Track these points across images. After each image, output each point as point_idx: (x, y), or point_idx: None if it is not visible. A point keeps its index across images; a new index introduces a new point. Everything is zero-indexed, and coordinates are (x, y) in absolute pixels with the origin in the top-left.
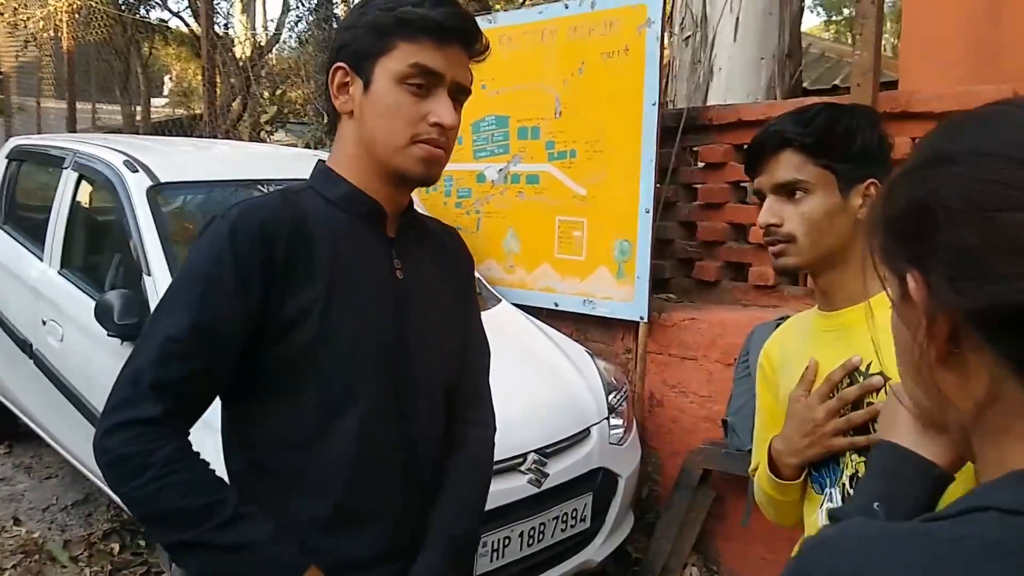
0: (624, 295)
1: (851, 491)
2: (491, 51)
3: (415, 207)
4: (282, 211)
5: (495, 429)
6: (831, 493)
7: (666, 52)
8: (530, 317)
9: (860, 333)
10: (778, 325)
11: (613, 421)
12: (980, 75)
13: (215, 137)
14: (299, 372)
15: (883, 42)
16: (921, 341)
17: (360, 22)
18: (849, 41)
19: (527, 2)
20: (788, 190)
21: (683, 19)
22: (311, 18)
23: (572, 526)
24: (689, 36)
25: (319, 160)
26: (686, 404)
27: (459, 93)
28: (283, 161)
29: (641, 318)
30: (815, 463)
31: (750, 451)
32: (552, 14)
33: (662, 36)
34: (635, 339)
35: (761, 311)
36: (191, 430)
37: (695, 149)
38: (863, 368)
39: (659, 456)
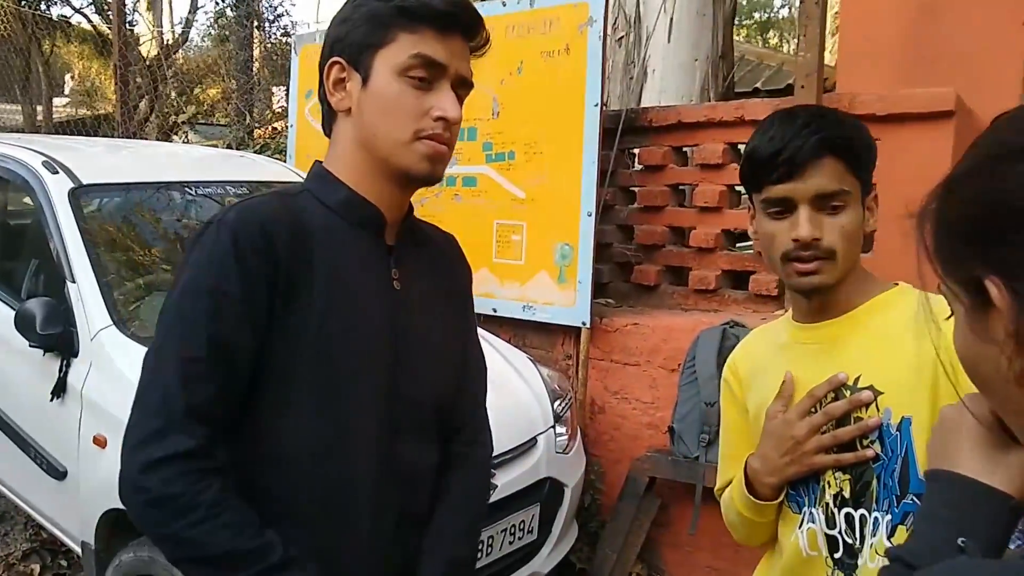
0: (565, 300)
1: (835, 511)
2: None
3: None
4: (281, 215)
5: (492, 449)
6: (812, 513)
7: None
8: None
9: (846, 346)
10: (724, 331)
11: (558, 429)
12: (916, 77)
13: (127, 138)
14: (291, 387)
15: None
16: (1009, 353)
17: (356, 14)
18: (759, 44)
19: None
20: (827, 201)
21: (616, 19)
22: (232, 13)
23: (520, 538)
24: (622, 36)
25: (316, 161)
26: (629, 411)
27: (461, 86)
28: (210, 162)
29: (583, 323)
30: (792, 481)
31: (696, 458)
32: (488, 12)
33: (604, 35)
34: (576, 345)
35: (703, 315)
36: None
37: (632, 151)
38: (850, 382)
39: (601, 464)
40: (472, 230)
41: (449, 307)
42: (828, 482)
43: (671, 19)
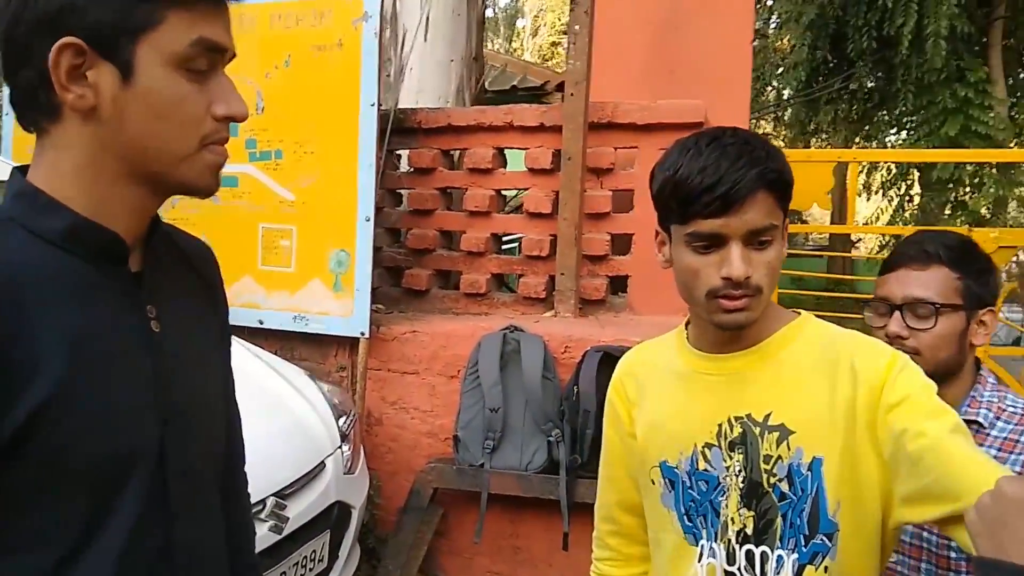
0: (342, 309)
1: (736, 547)
2: None
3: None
4: None
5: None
6: (713, 548)
7: None
8: (237, 339)
9: (753, 380)
10: (505, 336)
11: (343, 448)
12: (659, 89)
13: None
14: (34, 498)
15: (514, 47)
16: None
17: None
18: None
19: None
20: (757, 237)
21: None
22: None
23: (311, 569)
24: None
25: (16, 172)
26: (407, 421)
27: (226, 63)
28: None
29: (362, 334)
30: (689, 511)
31: (481, 465)
32: None
33: (381, 33)
34: (351, 356)
35: (480, 320)
36: None
37: (398, 153)
38: (761, 418)
39: (379, 477)
40: (234, 235)
41: (212, 339)
42: (732, 518)
43: (427, 17)
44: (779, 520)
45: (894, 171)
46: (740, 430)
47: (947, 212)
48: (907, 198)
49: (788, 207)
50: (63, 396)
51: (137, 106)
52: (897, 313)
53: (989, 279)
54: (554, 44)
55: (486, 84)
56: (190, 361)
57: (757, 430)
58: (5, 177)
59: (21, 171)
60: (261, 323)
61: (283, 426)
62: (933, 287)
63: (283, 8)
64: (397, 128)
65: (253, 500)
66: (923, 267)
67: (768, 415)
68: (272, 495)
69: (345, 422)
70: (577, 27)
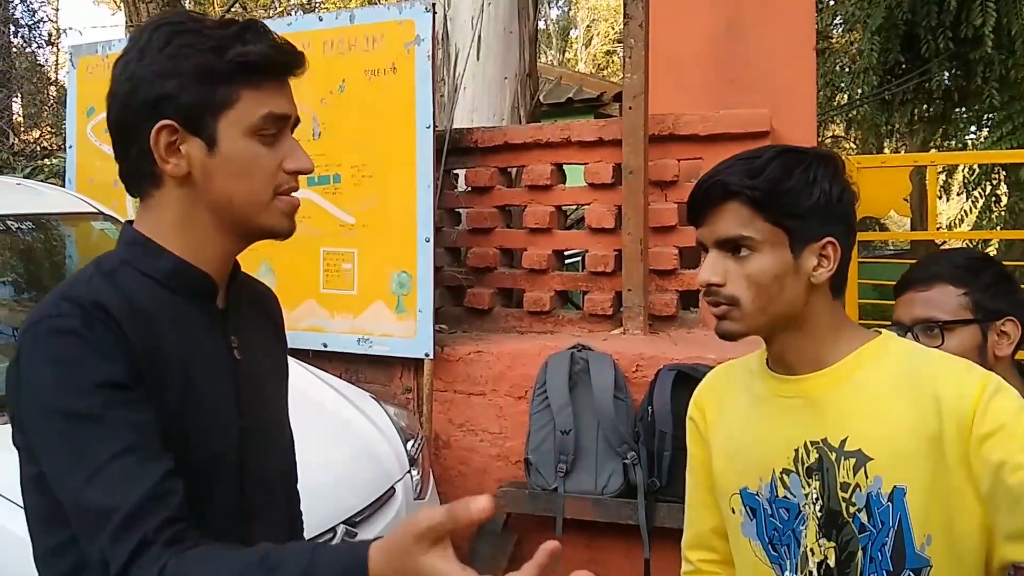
0: (405, 331)
1: None
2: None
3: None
4: (113, 294)
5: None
6: None
7: None
8: (302, 363)
9: (831, 403)
10: (572, 355)
11: (413, 473)
12: (720, 98)
13: None
14: None
15: (568, 56)
16: None
17: (182, 68)
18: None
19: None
20: (732, 246)
21: None
22: None
23: None
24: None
25: (128, 225)
26: (476, 443)
27: (294, 127)
28: None
29: (426, 355)
30: (773, 540)
31: (555, 490)
32: (303, 27)
33: (434, 54)
34: (416, 377)
35: (547, 339)
36: None
37: (456, 172)
38: (837, 443)
39: (449, 502)
40: (295, 259)
41: (279, 370)
42: (812, 549)
43: (479, 36)
44: (859, 553)
45: (977, 171)
46: (816, 455)
47: None
48: (993, 199)
49: (793, 221)
50: (177, 408)
51: (221, 169)
52: (909, 335)
53: (1003, 290)
54: (608, 53)
55: (541, 98)
56: (264, 386)
57: (833, 456)
58: (66, 208)
59: (130, 225)
60: (325, 346)
61: (352, 451)
62: (937, 305)
63: (335, 34)
64: (453, 148)
65: (323, 528)
66: (926, 287)
67: (844, 440)
68: (342, 522)
69: (413, 446)
70: (632, 40)
